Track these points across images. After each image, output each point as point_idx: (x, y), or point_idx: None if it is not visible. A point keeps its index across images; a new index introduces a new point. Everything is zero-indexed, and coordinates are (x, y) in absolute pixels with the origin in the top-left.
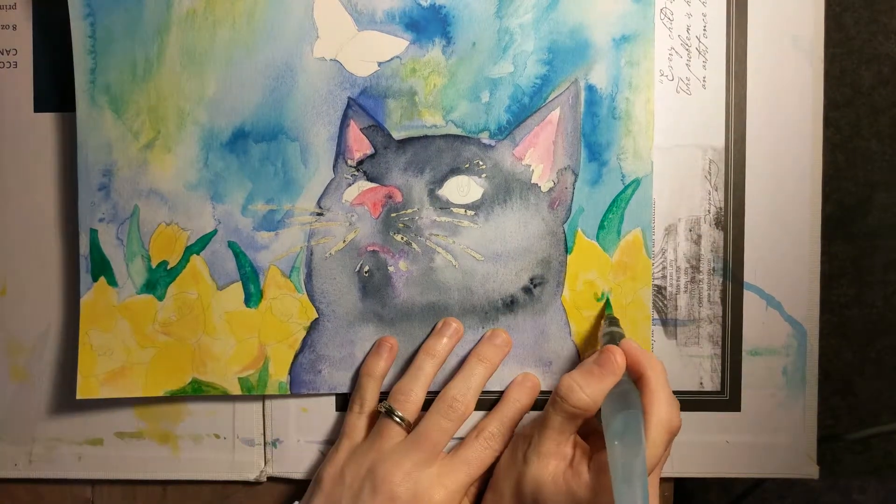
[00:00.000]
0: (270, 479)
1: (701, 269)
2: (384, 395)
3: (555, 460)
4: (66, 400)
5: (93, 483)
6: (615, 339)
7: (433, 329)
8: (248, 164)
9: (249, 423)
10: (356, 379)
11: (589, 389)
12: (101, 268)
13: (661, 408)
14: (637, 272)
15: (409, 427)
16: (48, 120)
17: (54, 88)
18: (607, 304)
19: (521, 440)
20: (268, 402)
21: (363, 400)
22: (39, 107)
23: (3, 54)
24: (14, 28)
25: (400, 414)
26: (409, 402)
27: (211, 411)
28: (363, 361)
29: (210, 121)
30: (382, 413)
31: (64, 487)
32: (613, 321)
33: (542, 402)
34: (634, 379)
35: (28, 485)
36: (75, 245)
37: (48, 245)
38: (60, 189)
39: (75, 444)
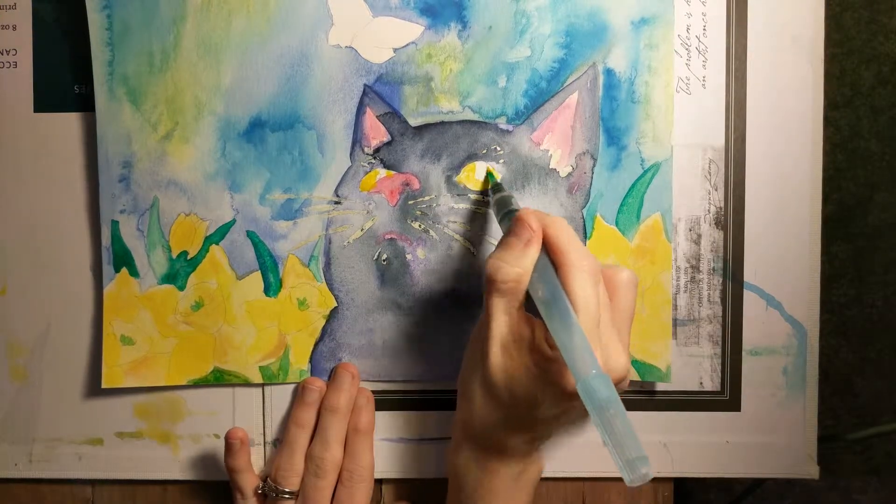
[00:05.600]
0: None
1: (701, 268)
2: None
3: (515, 345)
4: (66, 400)
5: (93, 483)
6: (508, 203)
7: (296, 396)
8: (265, 153)
9: (249, 422)
10: (376, 366)
11: (514, 260)
12: (123, 259)
13: (574, 259)
14: (657, 256)
15: (297, 496)
16: (48, 120)
17: (54, 88)
18: (489, 176)
19: (475, 341)
20: (267, 402)
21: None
22: (39, 107)
23: (2, 54)
24: (14, 28)
25: (287, 489)
26: (292, 474)
27: (211, 411)
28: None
29: (227, 111)
30: (272, 495)
31: (64, 487)
32: (498, 187)
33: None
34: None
35: (28, 485)
36: (96, 237)
37: (48, 245)
38: (61, 189)
39: (75, 444)
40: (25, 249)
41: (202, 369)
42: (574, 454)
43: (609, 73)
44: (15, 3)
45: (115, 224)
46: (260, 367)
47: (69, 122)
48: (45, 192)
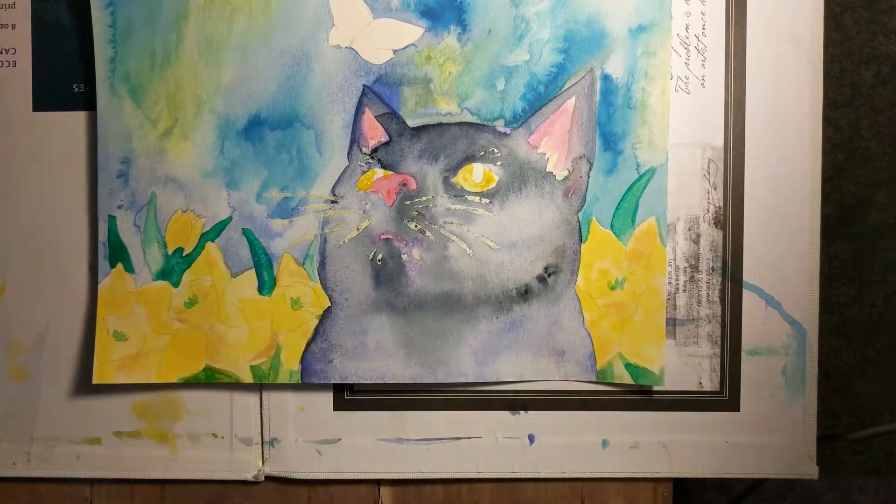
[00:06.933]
0: (268, 478)
1: (700, 268)
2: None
3: None
4: (64, 399)
5: (91, 482)
6: None
7: None
8: (263, 151)
9: (247, 422)
10: (368, 368)
11: None
12: (119, 254)
13: None
14: (651, 261)
15: None
16: (47, 119)
17: (53, 87)
18: None
19: None
20: (265, 402)
21: None
22: (38, 106)
23: (2, 53)
24: (13, 27)
25: None
26: None
27: (209, 410)
28: None
29: (226, 108)
30: None
31: (62, 487)
32: None
33: (555, 400)
34: None
35: (27, 484)
36: (93, 232)
37: (47, 244)
38: (60, 188)
39: (74, 444)
40: (25, 249)
41: (194, 367)
42: (573, 454)
43: (606, 78)
44: (14, 2)
45: (111, 219)
46: (251, 367)
47: (68, 121)
48: (44, 191)
